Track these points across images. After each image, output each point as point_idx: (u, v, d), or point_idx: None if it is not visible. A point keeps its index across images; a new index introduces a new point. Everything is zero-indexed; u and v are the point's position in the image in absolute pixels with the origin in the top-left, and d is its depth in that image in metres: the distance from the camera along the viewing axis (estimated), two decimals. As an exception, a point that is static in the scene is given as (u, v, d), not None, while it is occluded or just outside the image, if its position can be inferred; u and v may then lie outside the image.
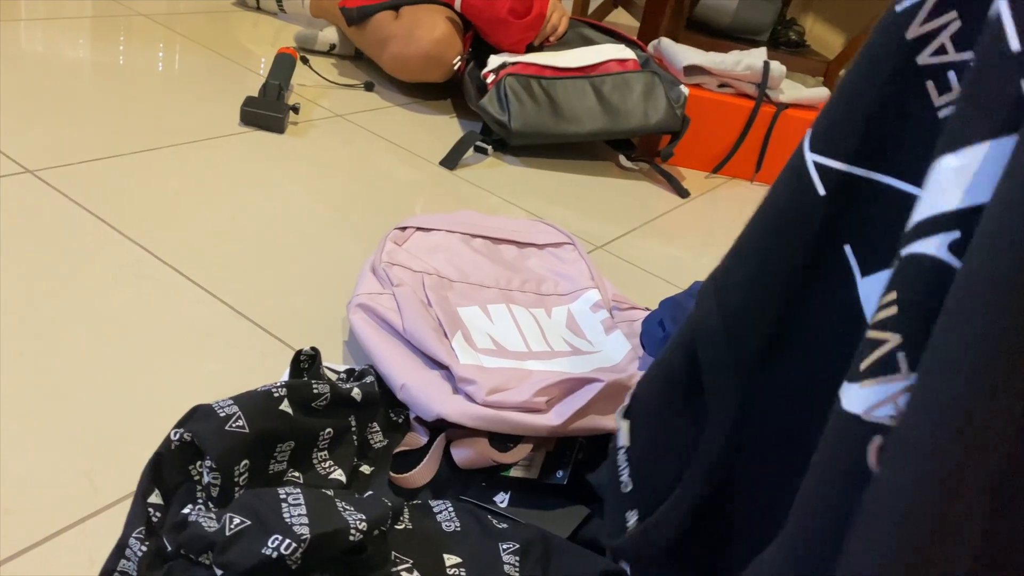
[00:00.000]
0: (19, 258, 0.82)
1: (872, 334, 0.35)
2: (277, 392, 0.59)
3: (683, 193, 1.45)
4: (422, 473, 0.66)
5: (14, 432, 0.62)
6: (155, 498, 0.54)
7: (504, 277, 0.92)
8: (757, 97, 1.54)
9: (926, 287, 0.33)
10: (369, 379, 0.68)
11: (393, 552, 0.55)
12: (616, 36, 1.57)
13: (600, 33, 1.58)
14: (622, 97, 1.41)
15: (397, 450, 0.68)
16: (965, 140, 0.33)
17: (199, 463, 0.55)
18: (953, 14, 0.38)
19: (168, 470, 0.54)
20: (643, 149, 1.57)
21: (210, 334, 0.79)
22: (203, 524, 0.48)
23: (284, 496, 0.50)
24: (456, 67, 1.50)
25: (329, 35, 1.67)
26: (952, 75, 0.39)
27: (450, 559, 0.56)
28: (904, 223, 0.39)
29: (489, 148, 1.40)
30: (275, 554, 0.46)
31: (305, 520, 0.48)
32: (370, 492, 0.62)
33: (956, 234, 0.32)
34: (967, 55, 0.38)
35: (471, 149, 1.38)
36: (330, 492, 0.53)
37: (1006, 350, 0.29)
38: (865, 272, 0.42)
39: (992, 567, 0.36)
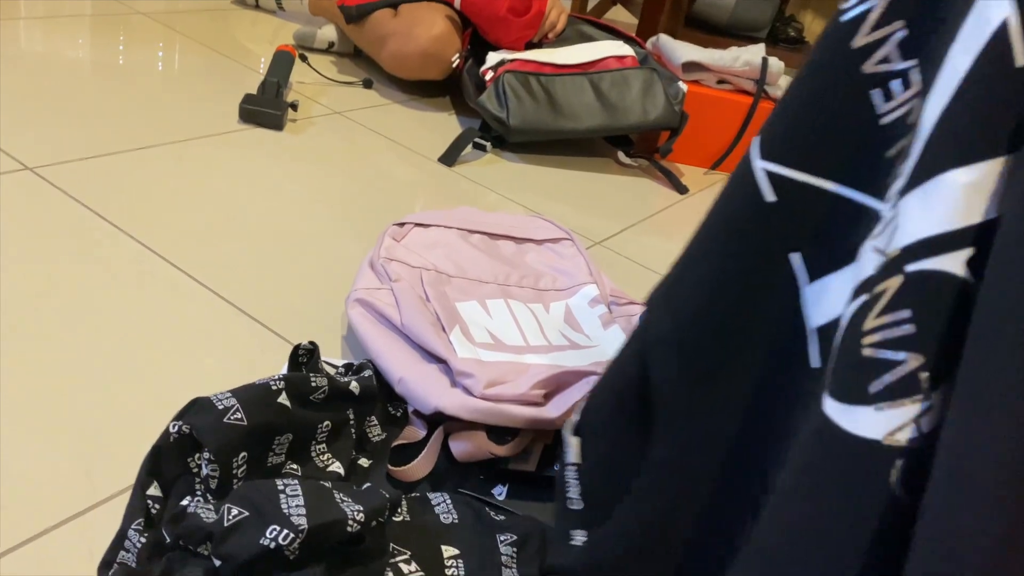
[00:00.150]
0: (19, 255, 0.82)
1: (876, 353, 0.34)
2: (275, 385, 0.59)
3: (682, 189, 1.45)
4: (420, 466, 0.66)
5: (13, 426, 0.63)
6: (154, 490, 0.54)
7: (502, 272, 0.93)
8: (756, 93, 1.54)
9: (945, 305, 0.32)
10: (367, 373, 0.68)
11: (391, 544, 0.55)
12: (615, 33, 1.57)
13: (599, 30, 1.58)
14: (620, 94, 1.41)
15: (395, 443, 0.68)
16: (977, 155, 0.32)
17: (197, 455, 0.55)
18: (900, 23, 0.39)
19: (166, 462, 0.54)
20: (642, 145, 1.57)
21: (208, 329, 0.79)
22: (201, 515, 0.48)
23: (282, 487, 0.50)
24: (455, 65, 1.50)
25: (328, 33, 1.67)
26: (897, 84, 0.39)
27: (448, 551, 0.56)
28: (852, 228, 0.39)
29: (488, 145, 1.40)
30: (273, 544, 0.46)
31: (303, 511, 0.48)
32: (368, 484, 0.62)
33: (971, 250, 0.32)
34: (912, 63, 0.39)
35: (470, 146, 1.38)
36: (328, 484, 0.53)
37: None
38: (813, 277, 0.42)
39: None
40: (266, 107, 1.25)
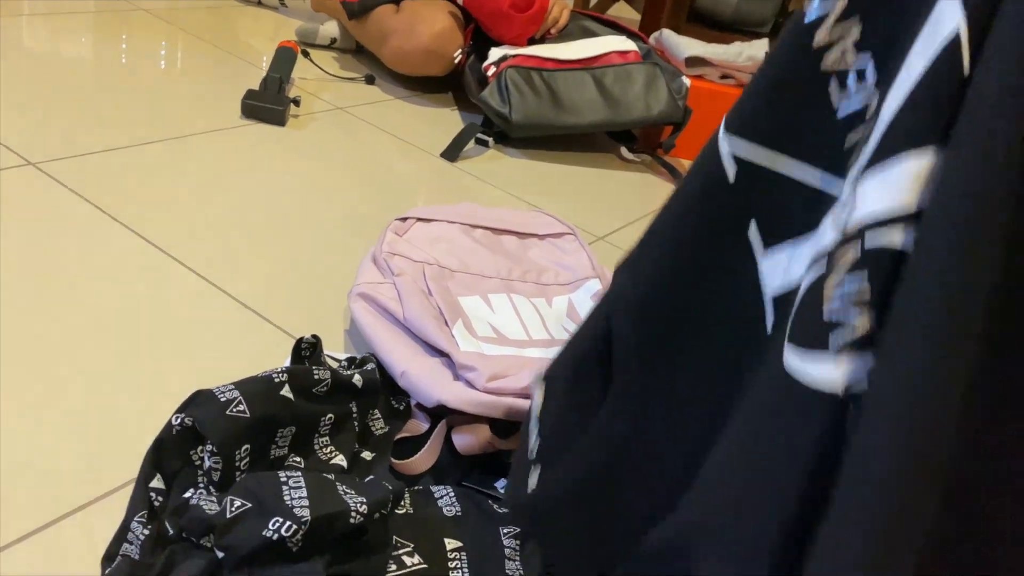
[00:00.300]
0: (22, 250, 0.82)
1: (834, 316, 0.37)
2: (278, 377, 0.59)
3: (685, 185, 1.45)
4: (423, 459, 0.66)
5: (17, 419, 0.63)
6: (157, 482, 0.54)
7: (505, 267, 0.92)
8: (758, 88, 1.54)
9: (892, 275, 0.35)
10: (370, 366, 0.68)
11: (394, 536, 0.55)
12: (618, 28, 1.57)
13: (601, 25, 1.58)
14: (623, 89, 1.41)
15: (398, 436, 0.68)
16: (926, 144, 0.35)
17: (200, 448, 0.55)
18: (855, 19, 0.42)
19: (169, 455, 0.54)
20: (645, 141, 1.57)
21: (211, 323, 0.79)
22: (204, 507, 0.48)
23: (285, 479, 0.50)
24: (457, 60, 1.50)
25: (330, 29, 1.67)
26: (852, 77, 0.43)
27: (451, 543, 0.56)
28: (810, 203, 0.43)
29: (490, 140, 1.40)
30: (276, 536, 0.46)
31: (306, 503, 0.48)
32: (371, 477, 0.62)
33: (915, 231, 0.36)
34: (865, 57, 0.42)
35: (472, 141, 1.38)
36: (331, 476, 0.53)
37: (956, 316, 0.33)
38: (768, 246, 0.45)
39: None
40: (268, 103, 1.25)
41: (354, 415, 0.64)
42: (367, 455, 0.65)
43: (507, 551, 0.57)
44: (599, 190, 1.34)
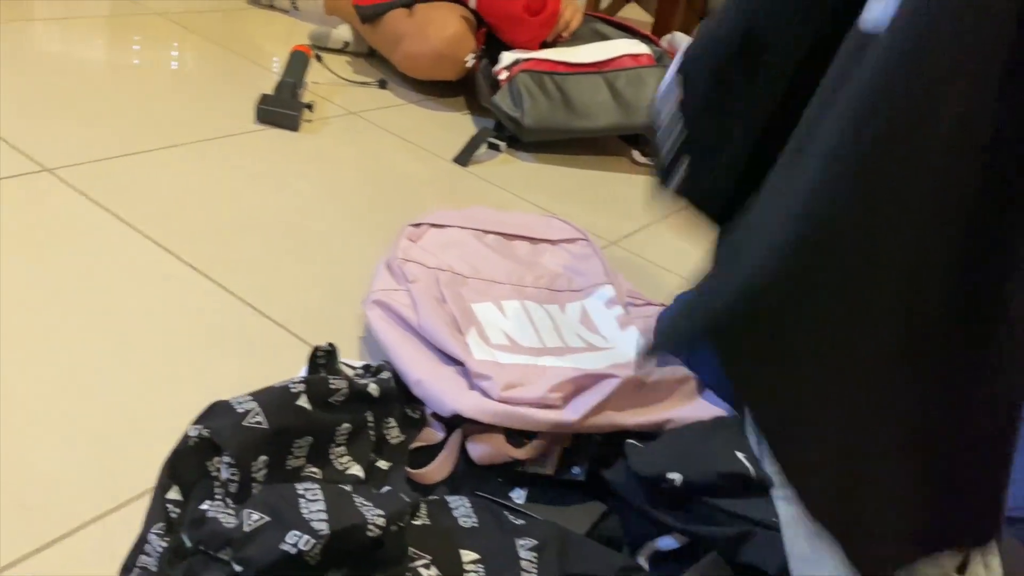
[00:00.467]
0: (38, 256, 0.83)
1: None
2: (295, 388, 0.59)
3: (697, 188, 1.44)
4: (439, 469, 0.66)
5: (35, 429, 0.63)
6: (174, 494, 0.54)
7: (517, 273, 0.92)
8: (772, 91, 1.53)
9: None
10: (385, 375, 0.68)
11: (410, 548, 0.55)
12: (630, 31, 1.56)
13: (613, 28, 1.57)
14: (636, 92, 1.40)
15: (413, 446, 0.68)
16: None
17: (217, 459, 0.55)
18: None
19: (186, 466, 0.54)
20: (657, 144, 1.56)
21: (227, 331, 0.79)
22: (222, 520, 0.48)
23: (302, 492, 0.50)
24: (469, 65, 1.49)
25: (343, 33, 1.67)
26: None
27: (467, 555, 0.56)
28: None
29: (502, 144, 1.40)
30: (294, 550, 0.46)
31: (324, 516, 0.48)
32: (387, 488, 0.62)
33: None
34: None
35: (484, 146, 1.38)
36: (348, 487, 0.53)
37: None
38: None
39: None
40: (283, 108, 1.26)
41: (370, 424, 0.64)
42: (383, 464, 0.65)
43: (524, 563, 0.56)
44: (611, 194, 1.34)
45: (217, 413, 0.55)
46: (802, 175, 0.48)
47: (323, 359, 0.69)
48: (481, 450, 0.66)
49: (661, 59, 1.46)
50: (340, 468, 0.61)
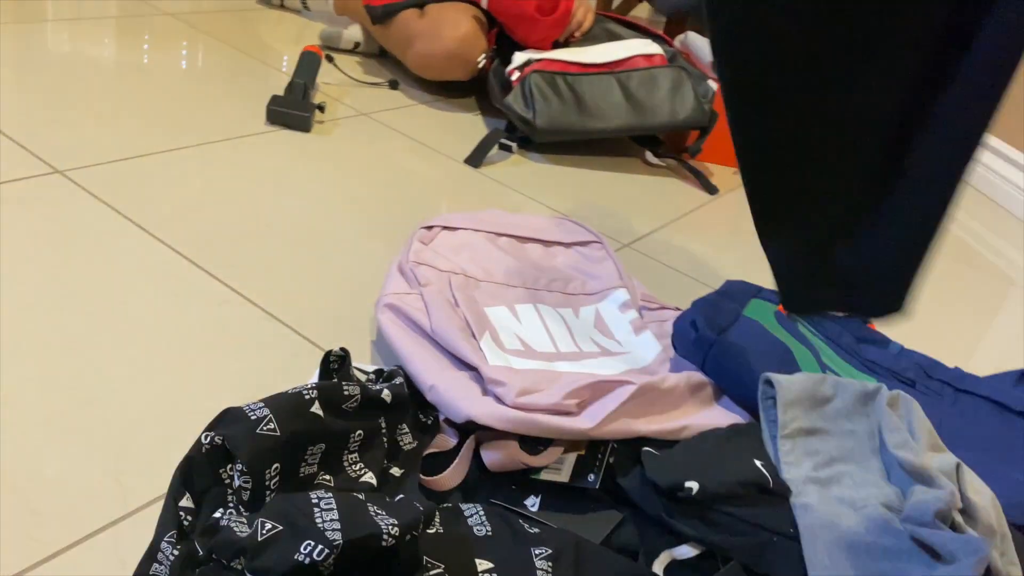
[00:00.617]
0: (48, 258, 0.82)
1: None
2: (308, 394, 0.58)
3: (711, 189, 1.44)
4: (452, 475, 0.65)
5: (44, 435, 0.62)
6: (186, 501, 0.53)
7: (531, 276, 0.91)
8: (786, 92, 1.52)
9: None
10: (398, 380, 0.68)
11: (424, 557, 0.54)
12: (642, 31, 1.55)
13: (626, 28, 1.56)
14: (649, 93, 1.39)
15: (427, 452, 0.67)
16: None
17: (230, 466, 0.54)
18: None
19: (199, 473, 0.54)
20: (670, 145, 1.55)
21: (239, 334, 0.79)
22: (235, 529, 0.48)
23: (316, 500, 0.50)
24: (481, 65, 1.49)
25: (353, 33, 1.67)
26: None
27: (482, 564, 0.55)
28: None
29: (514, 145, 1.39)
30: (308, 560, 0.46)
31: (337, 525, 0.48)
32: (401, 495, 0.61)
33: None
34: None
35: (496, 147, 1.37)
36: (361, 495, 0.52)
37: None
38: None
39: None
40: (294, 109, 1.25)
41: (383, 430, 0.63)
42: (396, 471, 0.64)
43: (539, 572, 0.55)
44: (624, 196, 1.33)
45: (230, 420, 0.55)
46: None
47: (335, 363, 0.68)
48: (495, 457, 0.65)
49: (674, 59, 1.45)
50: (353, 475, 0.60)
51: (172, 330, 0.77)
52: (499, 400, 0.66)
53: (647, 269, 1.11)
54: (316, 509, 0.49)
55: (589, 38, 1.52)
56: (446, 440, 0.68)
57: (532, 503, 0.64)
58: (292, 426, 0.56)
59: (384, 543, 0.49)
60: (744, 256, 1.22)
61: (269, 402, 0.56)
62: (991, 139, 1.82)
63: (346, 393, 0.61)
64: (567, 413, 0.66)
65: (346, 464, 0.61)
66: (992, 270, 1.38)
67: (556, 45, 1.50)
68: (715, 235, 1.27)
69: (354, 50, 1.69)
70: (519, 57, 1.43)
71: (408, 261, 0.86)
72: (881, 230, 0.56)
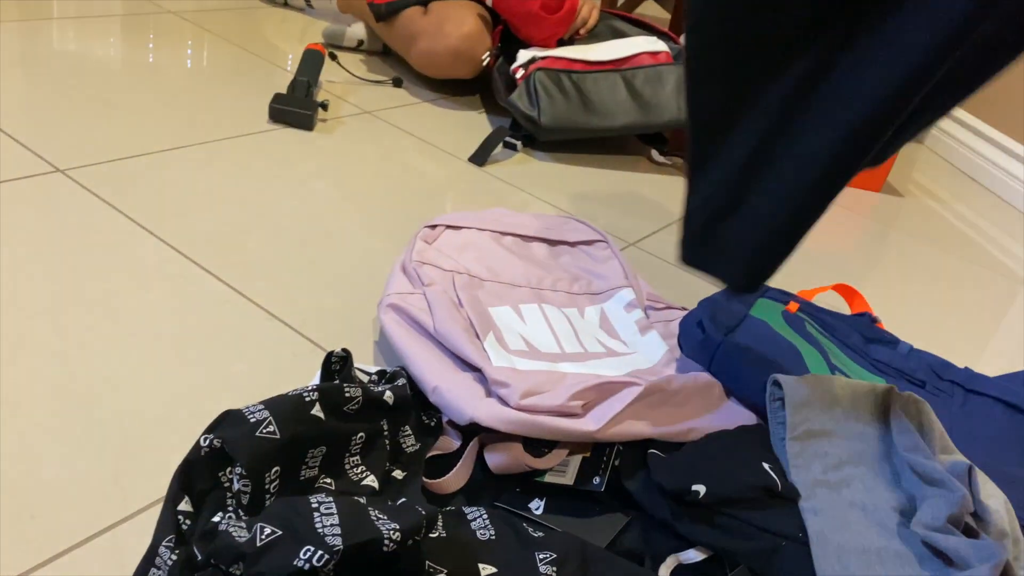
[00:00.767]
0: (49, 258, 0.82)
1: None
2: (309, 396, 0.57)
3: (717, 188, 1.42)
4: (455, 478, 0.64)
5: (43, 436, 0.62)
6: (185, 505, 0.52)
7: (535, 276, 0.90)
8: (793, 89, 1.50)
9: None
10: (401, 381, 0.67)
11: (427, 561, 0.53)
12: (648, 28, 1.54)
13: (631, 25, 1.55)
14: (654, 90, 1.38)
15: (430, 454, 0.66)
16: None
17: (229, 469, 0.53)
18: None
19: (197, 477, 0.53)
20: (676, 143, 1.54)
21: (240, 334, 0.78)
22: (234, 534, 0.47)
23: (316, 504, 0.49)
24: (485, 63, 1.48)
25: (357, 31, 1.66)
26: None
27: (485, 568, 0.54)
28: None
29: (518, 144, 1.38)
30: (307, 566, 0.45)
31: (338, 530, 0.47)
32: (403, 498, 0.60)
33: None
34: None
35: (500, 145, 1.36)
36: (363, 499, 0.51)
37: None
38: None
39: None
40: (296, 107, 1.24)
41: (385, 433, 0.63)
42: (398, 474, 0.63)
43: (543, 578, 0.55)
44: (630, 194, 1.32)
45: (229, 423, 0.54)
46: None
47: (337, 364, 0.68)
48: (499, 459, 0.64)
49: (680, 56, 1.44)
50: (355, 478, 0.59)
51: (173, 330, 0.76)
52: (503, 402, 0.65)
53: (653, 268, 1.10)
54: (316, 514, 0.48)
55: (594, 36, 1.51)
56: (449, 442, 0.68)
57: (536, 506, 0.63)
58: (292, 429, 0.55)
59: (385, 548, 0.48)
60: (751, 255, 1.21)
61: (269, 404, 0.55)
62: (996, 134, 1.80)
63: (347, 395, 0.60)
64: (572, 415, 0.65)
65: (347, 467, 0.60)
66: (1001, 268, 1.37)
67: (561, 43, 1.49)
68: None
69: (357, 48, 1.68)
70: (524, 55, 1.42)
71: (411, 260, 0.85)
72: (749, 210, 0.59)
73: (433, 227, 0.93)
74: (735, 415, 0.72)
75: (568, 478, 0.65)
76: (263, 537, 0.46)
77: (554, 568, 0.55)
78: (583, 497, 0.64)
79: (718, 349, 0.74)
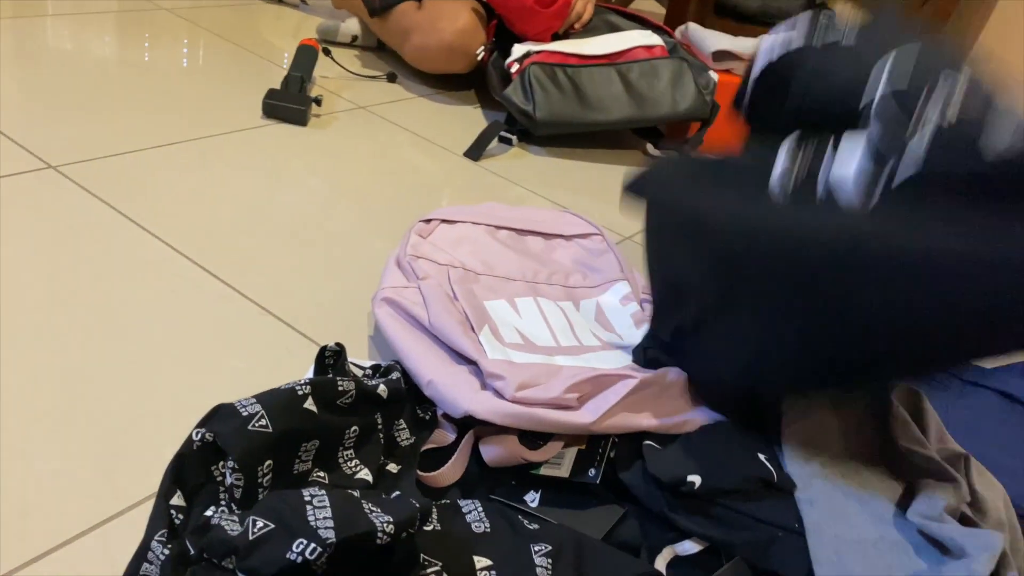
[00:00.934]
0: (41, 255, 0.81)
1: None
2: (301, 390, 0.57)
3: (713, 182, 1.42)
4: (450, 471, 0.64)
5: (34, 432, 0.61)
6: (177, 499, 0.52)
7: (531, 269, 0.90)
8: (788, 82, 1.50)
9: None
10: (395, 375, 0.66)
11: (421, 554, 0.53)
12: (643, 22, 1.54)
13: (626, 19, 1.55)
14: (650, 84, 1.38)
15: (424, 448, 0.66)
16: None
17: (221, 463, 0.53)
18: None
19: (190, 471, 0.53)
20: (671, 137, 1.54)
21: (233, 330, 0.77)
22: (226, 528, 0.47)
23: (308, 498, 0.48)
24: (479, 57, 1.47)
25: (351, 26, 1.65)
26: None
27: (480, 561, 0.54)
28: None
29: (514, 138, 1.38)
30: (300, 559, 0.45)
31: (331, 523, 0.46)
32: (397, 492, 0.60)
33: None
34: None
35: (495, 139, 1.36)
36: (356, 493, 0.51)
37: None
38: None
39: None
40: (290, 102, 1.24)
41: (379, 426, 0.62)
42: (393, 467, 0.63)
43: (539, 570, 0.54)
44: (625, 188, 1.32)
45: (221, 416, 0.53)
46: None
47: (331, 359, 0.67)
48: (494, 452, 0.64)
49: (675, 50, 1.44)
50: (348, 472, 0.59)
51: (166, 326, 0.76)
52: (498, 394, 0.65)
53: (649, 262, 1.10)
54: (309, 507, 0.48)
55: (589, 29, 1.51)
56: (444, 435, 0.67)
57: (532, 499, 0.63)
58: (285, 423, 0.54)
59: (379, 541, 0.47)
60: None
61: (261, 398, 0.55)
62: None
63: (340, 389, 0.59)
64: (567, 407, 0.65)
65: (341, 461, 0.59)
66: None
67: (556, 37, 1.48)
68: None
69: (352, 43, 1.67)
70: (518, 49, 1.42)
71: (406, 255, 0.85)
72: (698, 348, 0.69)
73: (428, 221, 0.93)
74: (731, 407, 0.72)
75: (564, 470, 0.65)
76: (255, 530, 0.46)
77: (549, 560, 0.55)
78: (579, 489, 0.64)
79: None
